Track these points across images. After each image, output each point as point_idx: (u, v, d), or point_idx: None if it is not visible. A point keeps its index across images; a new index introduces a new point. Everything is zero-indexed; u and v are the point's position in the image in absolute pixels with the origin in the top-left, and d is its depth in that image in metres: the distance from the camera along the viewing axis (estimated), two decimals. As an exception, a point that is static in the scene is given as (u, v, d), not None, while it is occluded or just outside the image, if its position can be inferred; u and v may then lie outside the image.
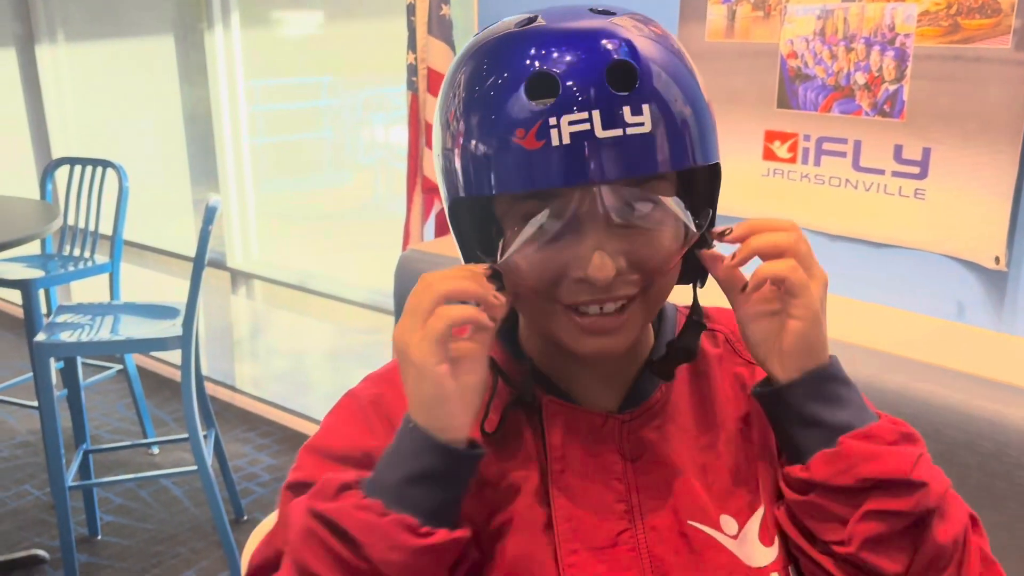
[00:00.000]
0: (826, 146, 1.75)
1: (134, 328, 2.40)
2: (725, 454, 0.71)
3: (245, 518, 2.68)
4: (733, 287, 0.66)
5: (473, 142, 0.61)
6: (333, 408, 0.75)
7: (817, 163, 1.77)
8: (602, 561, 0.65)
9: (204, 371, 2.64)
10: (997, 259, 1.56)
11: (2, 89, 4.24)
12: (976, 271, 1.60)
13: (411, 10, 2.31)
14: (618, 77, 0.58)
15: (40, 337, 2.23)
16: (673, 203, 0.62)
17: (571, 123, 0.57)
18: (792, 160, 1.80)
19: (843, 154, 1.73)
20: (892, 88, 1.64)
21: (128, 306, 2.59)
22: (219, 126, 3.34)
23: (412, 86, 2.36)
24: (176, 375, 3.52)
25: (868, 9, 1.65)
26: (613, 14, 0.64)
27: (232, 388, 3.49)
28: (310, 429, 3.22)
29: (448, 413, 0.61)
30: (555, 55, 0.59)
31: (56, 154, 4.10)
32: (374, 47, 2.82)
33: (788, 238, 0.63)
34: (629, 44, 0.60)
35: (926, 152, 1.63)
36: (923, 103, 1.61)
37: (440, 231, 2.46)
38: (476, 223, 0.68)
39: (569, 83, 0.58)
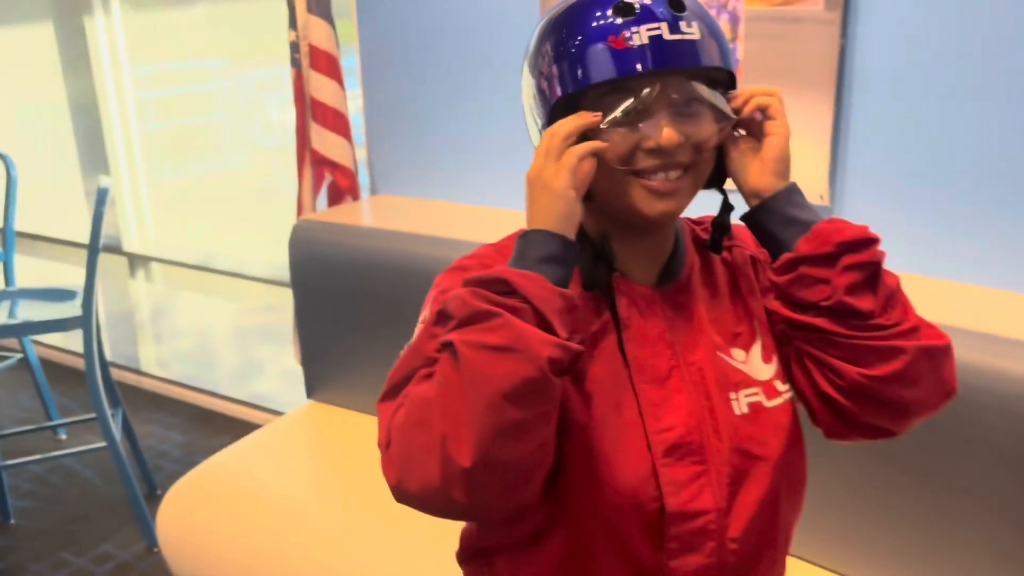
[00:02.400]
0: (676, 103, 1.93)
1: (32, 311, 2.43)
2: (727, 309, 0.96)
3: (158, 492, 2.75)
4: (730, 136, 0.90)
5: (574, 50, 0.85)
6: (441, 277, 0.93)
7: (669, 119, 1.95)
8: (662, 387, 0.90)
9: (108, 356, 2.68)
10: (822, 196, 1.77)
11: None
12: (806, 208, 1.81)
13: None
14: (676, 4, 0.84)
15: (-64, 325, 2.26)
16: (714, 95, 0.86)
17: (648, 30, 0.82)
18: (647, 118, 1.98)
19: (690, 110, 1.92)
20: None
21: (24, 291, 2.62)
22: (107, 113, 3.34)
23: (295, 63, 2.45)
24: (78, 363, 3.54)
25: (704, -23, 1.82)
26: None
27: (138, 372, 3.52)
28: (218, 405, 3.29)
29: (572, 225, 0.83)
30: None
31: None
32: (264, 28, 2.88)
33: (773, 91, 0.90)
34: None
35: (760, 105, 1.82)
36: (755, 61, 1.81)
37: (333, 203, 2.57)
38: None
39: (643, 6, 0.83)
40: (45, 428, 2.96)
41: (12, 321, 2.37)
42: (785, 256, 0.87)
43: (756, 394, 0.93)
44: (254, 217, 3.24)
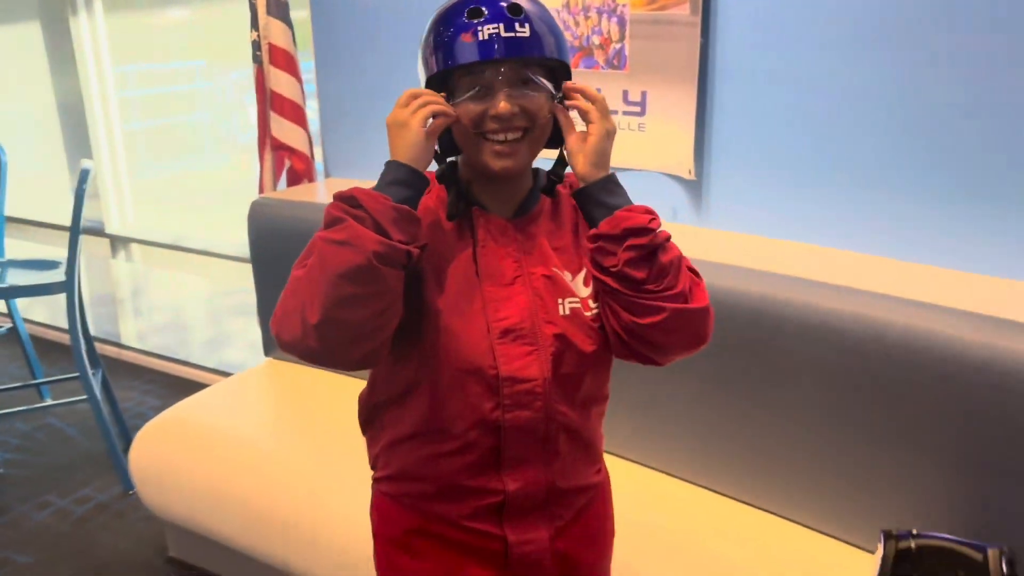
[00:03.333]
0: (577, 94, 2.25)
1: (19, 278, 2.74)
2: (568, 242, 1.25)
3: (134, 446, 3.05)
4: (567, 122, 1.17)
5: (441, 41, 1.14)
6: None
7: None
8: (505, 289, 1.20)
9: (91, 332, 2.98)
10: (690, 171, 2.10)
11: None
12: (680, 182, 2.14)
13: (255, -4, 2.70)
14: (514, 9, 1.11)
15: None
16: (542, 79, 1.14)
17: (490, 29, 1.10)
18: (554, 106, 2.30)
19: (589, 99, 2.24)
20: (617, 47, 2.15)
21: (12, 262, 2.92)
22: (90, 108, 3.64)
23: (256, 59, 2.76)
24: (63, 338, 3.84)
25: (597, -14, 2.15)
26: None
27: (118, 344, 3.82)
28: (192, 375, 3.59)
29: (420, 157, 1.12)
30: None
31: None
32: (242, 32, 3.17)
33: (597, 97, 1.16)
34: None
35: (644, 95, 2.15)
36: (639, 58, 2.13)
37: (291, 185, 2.88)
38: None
39: (489, 11, 1.11)
40: (32, 385, 3.25)
41: (1, 285, 2.67)
42: (591, 231, 1.19)
43: (576, 303, 1.22)
44: (227, 205, 3.55)
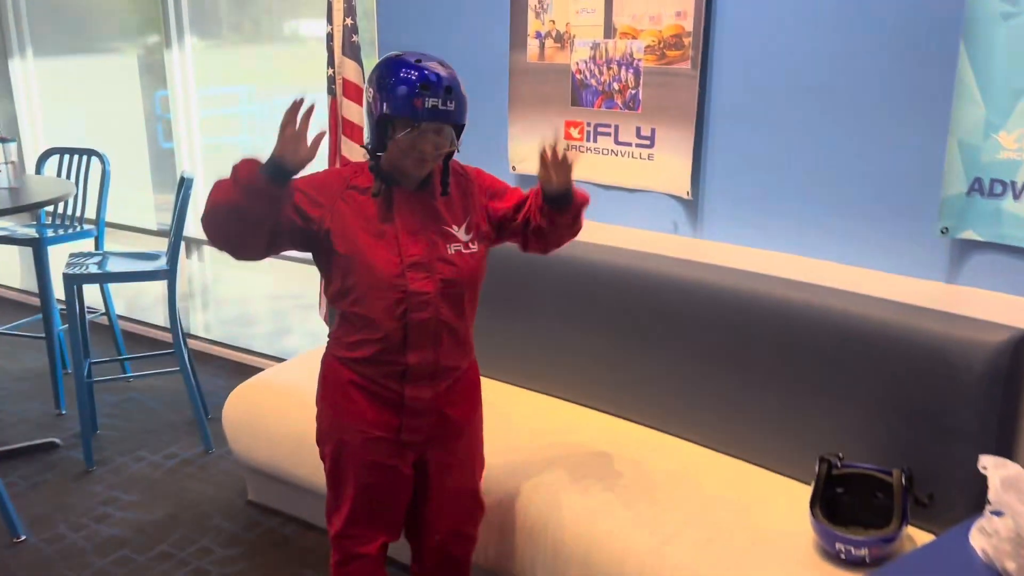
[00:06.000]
0: (599, 129, 2.78)
1: (124, 266, 3.28)
2: (457, 205, 1.91)
3: (210, 416, 3.56)
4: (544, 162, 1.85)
5: (394, 94, 1.73)
6: None
7: (595, 140, 2.80)
8: (413, 236, 1.84)
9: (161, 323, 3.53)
10: (688, 193, 2.62)
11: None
12: (680, 201, 2.66)
13: (329, 37, 3.26)
14: (448, 91, 1.73)
15: (67, 271, 3.10)
16: (450, 132, 1.79)
17: (432, 102, 1.71)
18: (581, 139, 2.83)
19: (609, 134, 2.77)
20: (633, 92, 2.69)
21: (112, 253, 3.47)
22: (176, 126, 4.21)
23: (331, 92, 3.31)
24: (135, 328, 4.40)
25: (618, 44, 2.69)
26: (435, 59, 1.77)
27: (190, 335, 4.35)
28: (254, 362, 4.12)
29: (293, 162, 1.65)
30: (431, 78, 1.73)
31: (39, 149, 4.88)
32: (286, 64, 3.72)
33: (569, 162, 1.85)
34: (452, 76, 1.76)
35: (653, 131, 2.67)
36: (650, 101, 2.66)
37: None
38: (382, 123, 1.79)
39: (433, 88, 1.72)
40: (130, 359, 3.82)
41: (115, 270, 3.22)
42: (545, 196, 1.89)
43: (459, 245, 1.87)
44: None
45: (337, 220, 1.80)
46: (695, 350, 2.39)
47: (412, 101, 1.68)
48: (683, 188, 2.62)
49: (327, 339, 1.98)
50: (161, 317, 4.52)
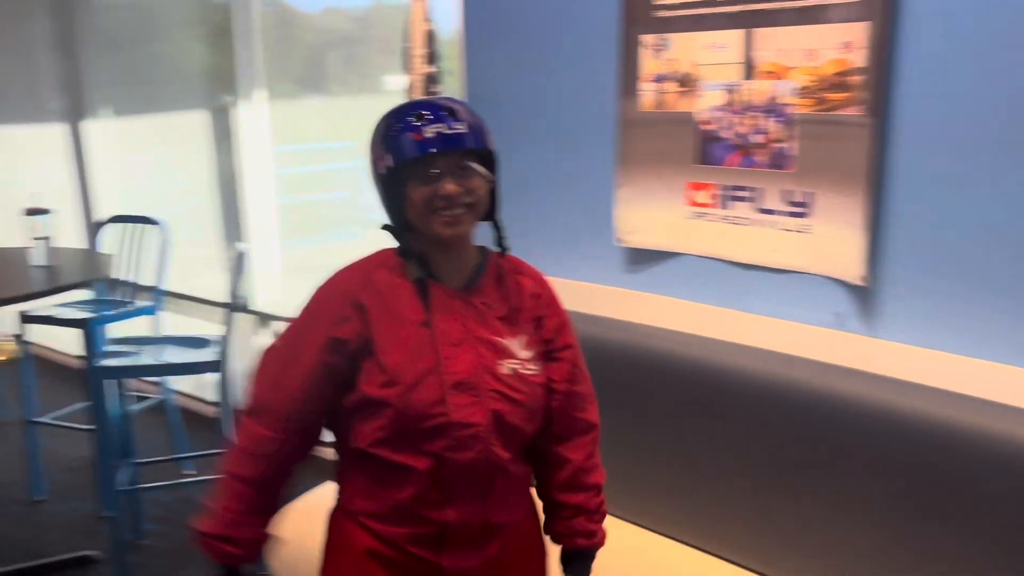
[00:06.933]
0: (735, 193, 2.19)
1: (176, 355, 2.84)
2: (508, 313, 1.45)
3: (268, 524, 3.07)
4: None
5: (393, 140, 1.36)
6: None
7: (729, 207, 2.21)
8: (456, 349, 1.38)
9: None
10: (863, 278, 1.98)
11: (54, 158, 4.77)
12: (848, 288, 2.02)
13: (409, 91, 2.81)
14: (451, 113, 1.36)
15: (99, 363, 2.68)
16: (477, 166, 1.37)
17: (435, 128, 1.33)
18: (710, 205, 2.24)
19: (748, 199, 2.17)
20: (781, 146, 2.08)
21: (169, 339, 3.04)
22: (245, 188, 3.83)
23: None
24: (202, 408, 3.97)
25: (761, 86, 2.10)
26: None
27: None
28: (325, 451, 3.62)
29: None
30: (426, 106, 1.37)
31: (99, 214, 4.60)
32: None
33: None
34: (453, 100, 1.40)
35: (809, 195, 2.06)
36: (806, 158, 2.05)
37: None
38: (394, 188, 1.38)
39: (433, 115, 1.35)
40: (179, 459, 3.36)
41: (161, 362, 2.78)
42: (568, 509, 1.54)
43: (516, 363, 1.42)
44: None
45: (375, 326, 1.40)
46: (873, 495, 1.73)
47: (413, 137, 1.34)
48: (854, 271, 1.99)
49: (336, 491, 1.53)
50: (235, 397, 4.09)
